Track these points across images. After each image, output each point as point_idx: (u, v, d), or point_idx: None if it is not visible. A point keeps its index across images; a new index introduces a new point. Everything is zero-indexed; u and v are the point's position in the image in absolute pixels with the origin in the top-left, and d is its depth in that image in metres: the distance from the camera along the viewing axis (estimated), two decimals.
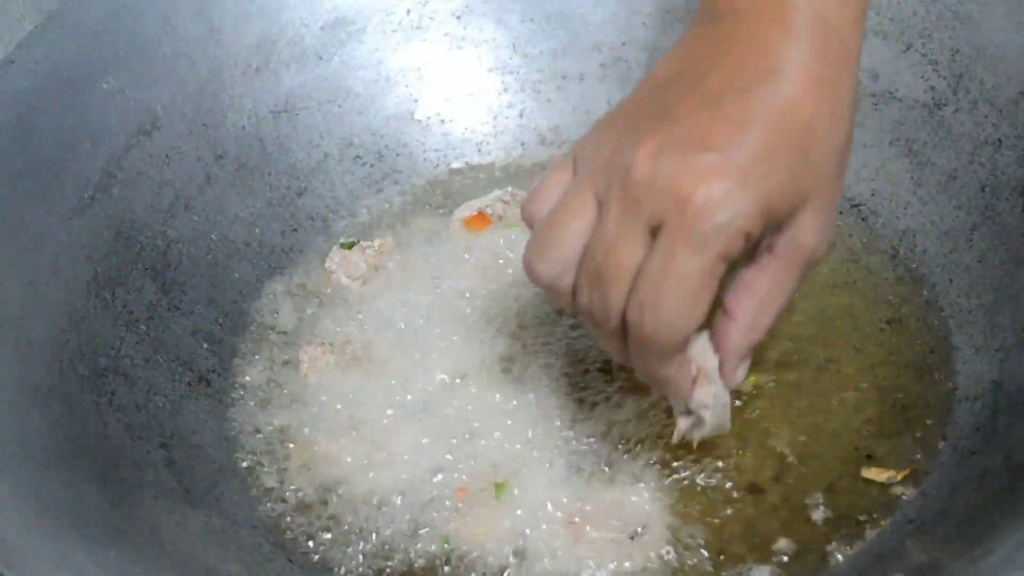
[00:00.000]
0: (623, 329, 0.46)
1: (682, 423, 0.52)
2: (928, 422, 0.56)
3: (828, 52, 0.45)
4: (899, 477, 0.54)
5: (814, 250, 0.47)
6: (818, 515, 0.53)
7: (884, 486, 0.54)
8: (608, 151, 0.46)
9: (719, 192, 0.42)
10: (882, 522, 0.53)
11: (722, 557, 0.52)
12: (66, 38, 0.62)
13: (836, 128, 0.46)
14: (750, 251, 0.46)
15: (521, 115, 0.72)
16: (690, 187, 0.42)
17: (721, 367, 0.49)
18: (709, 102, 0.44)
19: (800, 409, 0.57)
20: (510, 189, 0.68)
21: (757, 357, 0.52)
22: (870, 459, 0.55)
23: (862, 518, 0.53)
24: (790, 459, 0.55)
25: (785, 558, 0.52)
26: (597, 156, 0.46)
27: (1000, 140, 0.60)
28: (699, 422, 0.51)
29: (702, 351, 0.49)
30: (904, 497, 0.53)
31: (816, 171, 0.45)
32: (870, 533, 0.53)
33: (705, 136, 0.43)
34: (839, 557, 0.52)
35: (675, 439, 0.52)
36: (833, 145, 0.46)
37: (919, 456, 0.55)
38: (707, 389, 0.49)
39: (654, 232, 0.44)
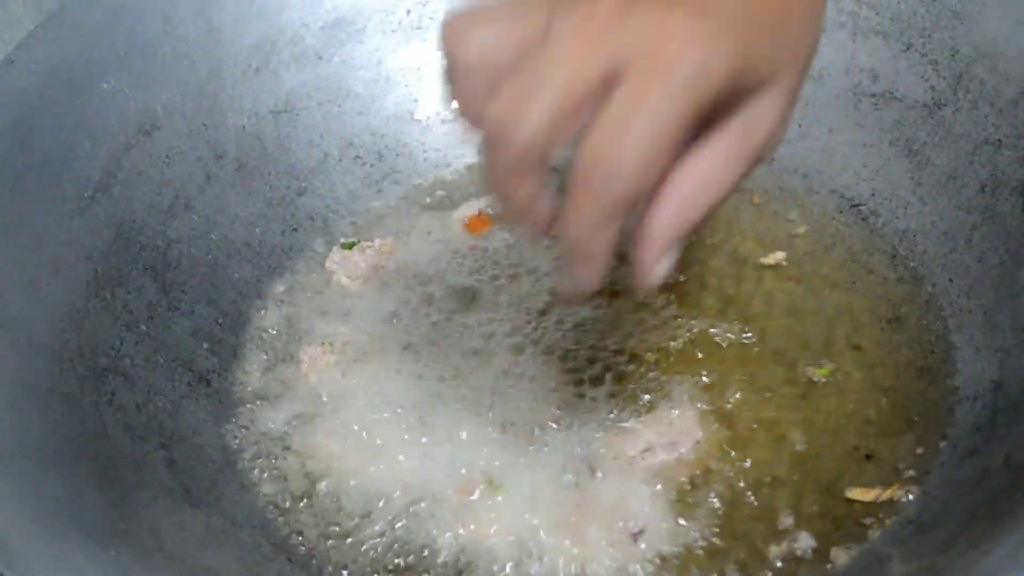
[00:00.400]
0: (535, 168, 0.41)
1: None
2: (928, 422, 0.56)
3: None
4: (885, 495, 0.54)
5: (767, 139, 0.42)
6: (818, 515, 0.53)
7: (882, 486, 0.54)
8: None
9: (693, 46, 0.39)
10: (882, 522, 0.53)
11: (722, 557, 0.52)
12: (66, 38, 0.62)
13: (812, 11, 0.43)
14: (692, 133, 0.42)
15: None
16: (665, 36, 0.39)
17: (637, 258, 0.43)
18: None
19: (800, 409, 0.57)
20: None
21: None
22: (870, 459, 0.55)
23: (862, 518, 0.53)
24: (790, 459, 0.55)
25: (785, 558, 0.52)
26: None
27: (1000, 140, 0.60)
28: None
29: None
30: (905, 498, 0.54)
31: (789, 50, 0.42)
32: (870, 533, 0.53)
33: None
34: (839, 557, 0.52)
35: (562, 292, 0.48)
36: (807, 29, 0.43)
37: (919, 456, 0.55)
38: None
39: (606, 80, 0.39)
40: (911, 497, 0.53)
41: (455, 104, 0.43)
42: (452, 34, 0.42)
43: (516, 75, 0.40)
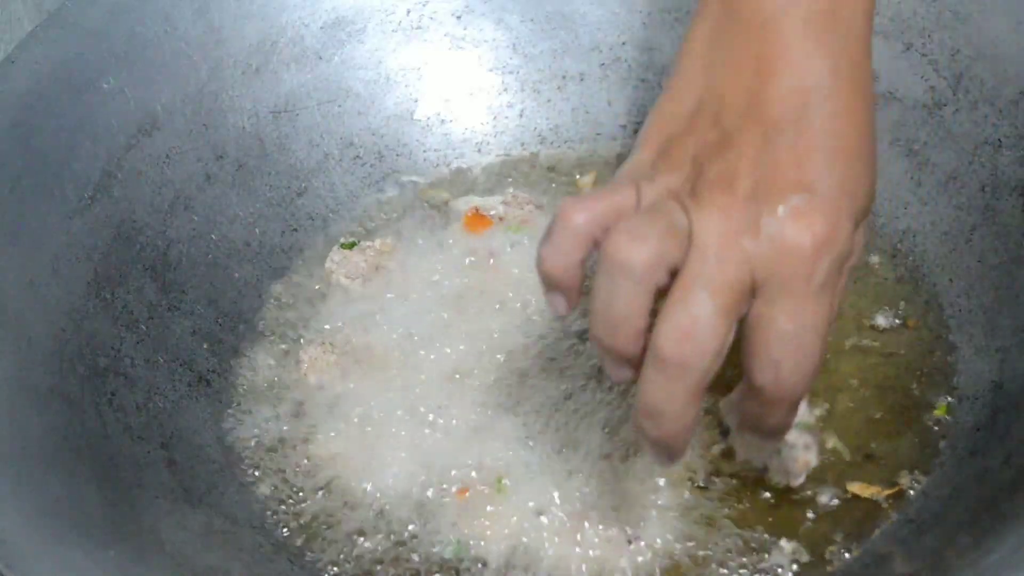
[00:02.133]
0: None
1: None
2: (928, 422, 0.56)
3: (848, 50, 0.44)
4: (883, 494, 0.54)
5: (862, 256, 0.46)
6: (818, 516, 0.53)
7: (882, 486, 0.54)
8: (683, 182, 0.44)
9: (825, 231, 0.41)
10: (882, 522, 0.53)
11: (721, 557, 0.52)
12: (66, 38, 0.62)
13: (871, 121, 0.45)
14: None
15: (521, 115, 0.72)
16: (799, 235, 0.41)
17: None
18: (771, 135, 0.43)
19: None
20: (511, 191, 0.68)
21: None
22: (869, 459, 0.55)
23: (862, 518, 0.53)
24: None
25: (785, 558, 0.52)
26: (672, 185, 0.44)
27: (1000, 140, 0.60)
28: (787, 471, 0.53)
29: None
30: (904, 497, 0.54)
31: (873, 171, 0.45)
32: (870, 533, 0.53)
33: (790, 175, 0.42)
34: (839, 557, 0.52)
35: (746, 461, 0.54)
36: (873, 138, 0.45)
37: (919, 456, 0.55)
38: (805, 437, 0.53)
39: (752, 290, 0.42)
40: (911, 497, 0.53)
41: (612, 328, 0.44)
42: (620, 245, 0.42)
43: (680, 298, 0.42)
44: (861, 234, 0.46)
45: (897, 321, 0.60)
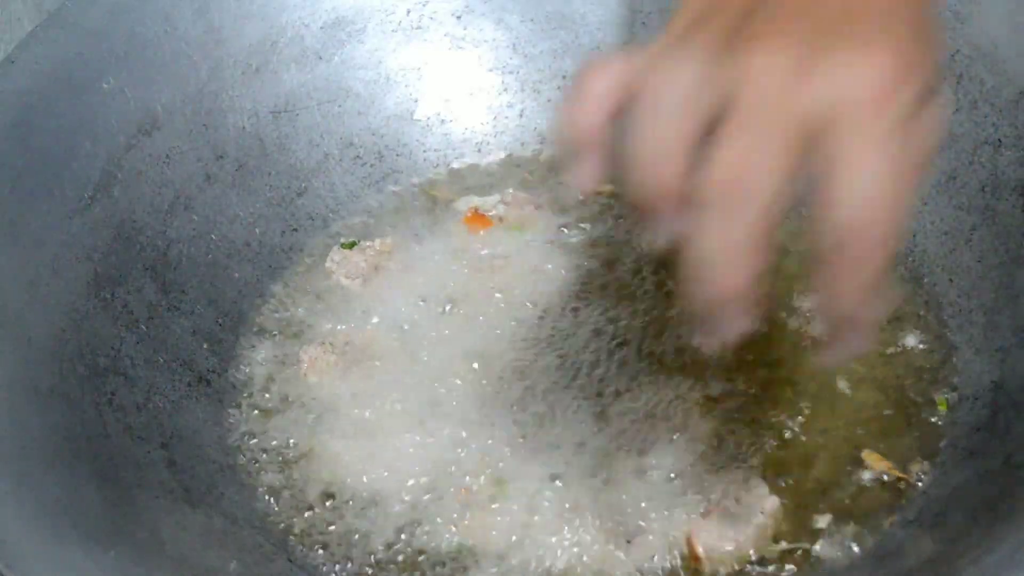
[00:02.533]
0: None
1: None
2: (928, 422, 0.56)
3: None
4: (895, 472, 0.54)
5: (944, 126, 0.40)
6: (818, 516, 0.53)
7: (883, 484, 0.54)
8: (708, 58, 0.38)
9: (891, 65, 0.37)
10: (882, 522, 0.53)
11: (721, 557, 0.52)
12: (66, 38, 0.62)
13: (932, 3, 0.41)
14: None
15: (521, 115, 0.72)
16: (863, 73, 0.37)
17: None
18: None
19: (799, 410, 0.57)
20: (511, 191, 0.68)
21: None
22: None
23: (862, 519, 0.53)
24: (789, 460, 0.55)
25: (784, 558, 0.52)
26: (696, 62, 0.38)
27: (1000, 140, 0.60)
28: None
29: None
30: (904, 497, 0.54)
31: (936, 38, 0.40)
32: (870, 533, 0.53)
33: (845, 22, 0.38)
34: (839, 558, 0.52)
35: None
36: (934, 23, 0.41)
37: (919, 456, 0.55)
38: None
39: (809, 140, 0.37)
40: (911, 496, 0.53)
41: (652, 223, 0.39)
42: (648, 177, 0.38)
43: (732, 132, 0.37)
44: (937, 108, 0.39)
45: (897, 321, 0.60)
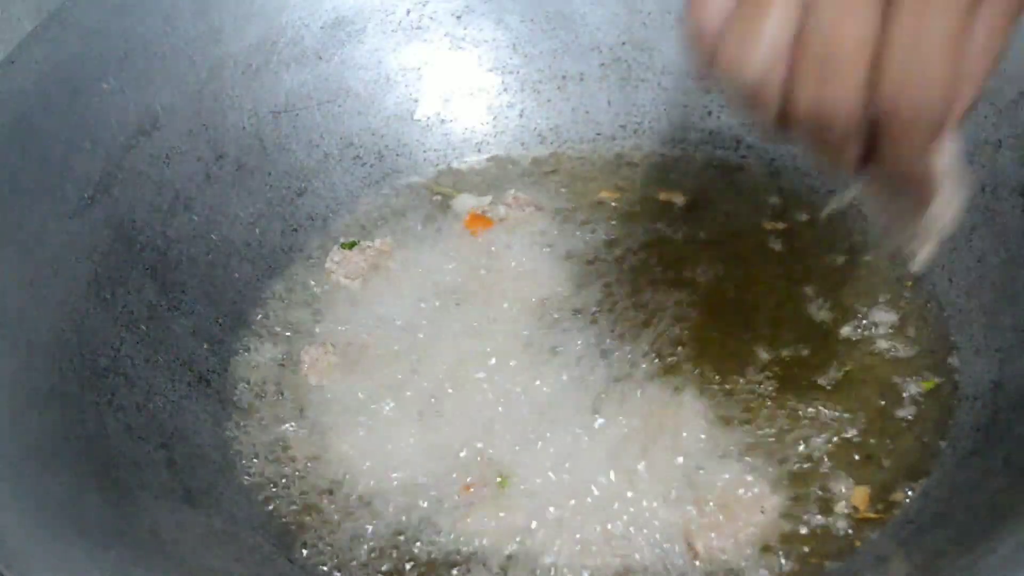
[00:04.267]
0: (861, 125, 0.40)
1: (924, 243, 0.46)
2: (928, 422, 0.56)
3: None
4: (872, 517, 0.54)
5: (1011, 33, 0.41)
6: (818, 516, 0.53)
7: (884, 486, 0.54)
8: None
9: None
10: (882, 522, 0.53)
11: (722, 557, 0.52)
12: (66, 38, 0.62)
13: None
14: None
15: (521, 115, 0.72)
16: None
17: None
18: None
19: (800, 410, 0.57)
20: (512, 192, 0.68)
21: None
22: (870, 459, 0.55)
23: (862, 519, 0.53)
24: (790, 460, 0.55)
25: (784, 558, 0.52)
26: None
27: (1000, 140, 0.60)
28: (934, 230, 0.46)
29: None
30: (905, 498, 0.54)
31: None
32: (870, 534, 0.53)
33: None
34: (839, 558, 0.52)
35: (920, 265, 0.48)
36: None
37: (919, 456, 0.55)
38: (951, 184, 0.44)
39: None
40: (911, 497, 0.53)
41: (752, 116, 0.42)
42: (732, 60, 0.40)
43: (807, 59, 0.39)
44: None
45: (897, 321, 0.60)
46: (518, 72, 0.72)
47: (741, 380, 0.58)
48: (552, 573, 0.52)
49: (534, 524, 0.54)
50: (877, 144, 0.41)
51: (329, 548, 0.55)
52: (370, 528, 0.55)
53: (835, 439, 0.56)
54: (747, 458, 0.55)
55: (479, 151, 0.71)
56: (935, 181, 0.43)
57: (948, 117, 0.40)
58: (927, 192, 0.44)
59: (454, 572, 0.53)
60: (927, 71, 0.38)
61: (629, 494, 0.54)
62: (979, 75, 0.41)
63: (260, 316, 0.64)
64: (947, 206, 0.45)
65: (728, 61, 0.40)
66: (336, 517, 0.56)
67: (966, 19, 0.39)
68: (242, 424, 0.60)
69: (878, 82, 0.39)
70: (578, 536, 0.53)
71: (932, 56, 0.38)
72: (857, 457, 0.55)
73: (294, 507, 0.56)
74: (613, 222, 0.67)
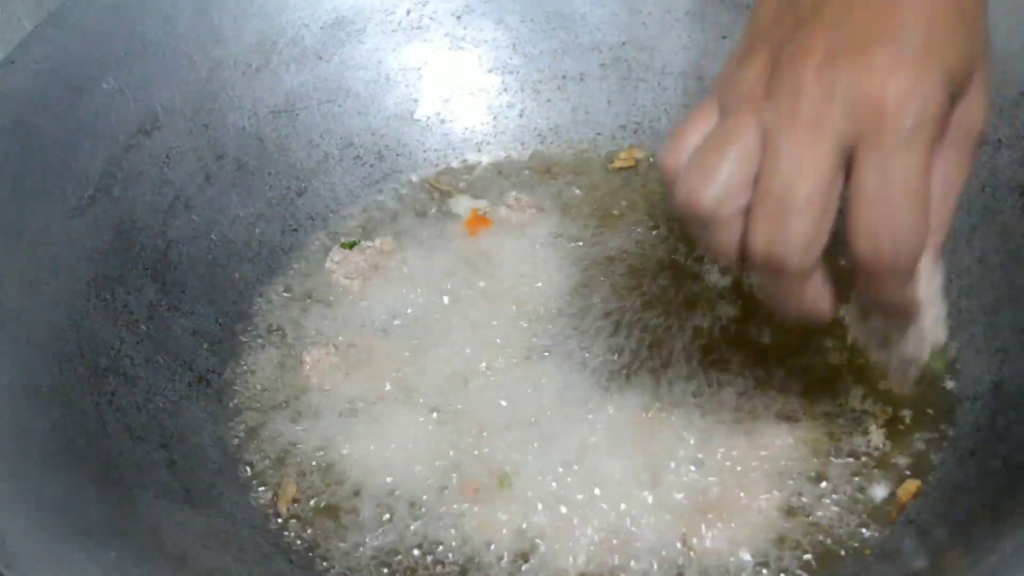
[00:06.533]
0: (813, 268, 0.42)
1: (903, 366, 0.49)
2: (928, 422, 0.56)
3: None
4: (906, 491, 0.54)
5: (984, 125, 0.44)
6: (817, 516, 0.53)
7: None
8: (760, 78, 0.42)
9: (908, 83, 0.39)
10: (882, 522, 0.53)
11: (720, 556, 0.52)
12: (66, 38, 0.62)
13: None
14: None
15: (521, 115, 0.72)
16: (878, 89, 0.39)
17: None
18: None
19: (800, 410, 0.57)
20: (513, 194, 0.68)
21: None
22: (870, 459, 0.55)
23: (862, 518, 0.53)
24: (790, 461, 0.55)
25: (783, 558, 0.52)
26: (748, 86, 0.42)
27: (1000, 140, 0.60)
28: (918, 354, 0.48)
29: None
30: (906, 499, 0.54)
31: (977, 34, 0.43)
32: (870, 534, 0.53)
33: (868, 32, 0.40)
34: (839, 559, 0.52)
35: (903, 388, 0.50)
36: (981, 4, 0.44)
37: (919, 456, 0.55)
38: (934, 310, 0.46)
39: (843, 161, 0.40)
40: (911, 497, 0.53)
41: (710, 252, 0.44)
42: (688, 193, 0.42)
43: (763, 203, 0.41)
44: (978, 99, 0.44)
45: None
46: (518, 72, 0.72)
47: (741, 380, 0.58)
48: (552, 573, 0.52)
49: (535, 524, 0.54)
50: (854, 279, 0.43)
51: (329, 547, 0.55)
52: (371, 528, 0.55)
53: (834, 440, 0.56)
54: (746, 458, 0.55)
55: (479, 151, 0.71)
56: (916, 309, 0.45)
57: (921, 255, 0.41)
58: (908, 319, 0.46)
59: (454, 572, 0.53)
60: (896, 221, 0.40)
61: (629, 494, 0.54)
62: (947, 212, 0.44)
63: (260, 316, 0.64)
64: (929, 332, 0.47)
65: (684, 193, 0.42)
66: (337, 517, 0.56)
67: (929, 164, 0.40)
68: (242, 424, 0.60)
69: (845, 230, 0.41)
70: (579, 536, 0.53)
71: (899, 206, 0.40)
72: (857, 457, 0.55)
73: (294, 507, 0.56)
74: (613, 223, 0.67)
